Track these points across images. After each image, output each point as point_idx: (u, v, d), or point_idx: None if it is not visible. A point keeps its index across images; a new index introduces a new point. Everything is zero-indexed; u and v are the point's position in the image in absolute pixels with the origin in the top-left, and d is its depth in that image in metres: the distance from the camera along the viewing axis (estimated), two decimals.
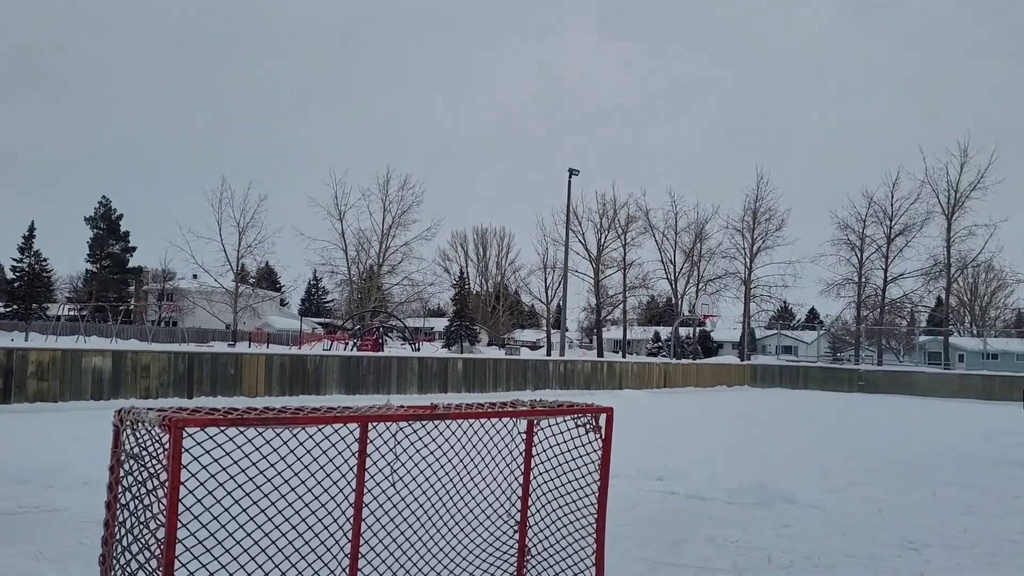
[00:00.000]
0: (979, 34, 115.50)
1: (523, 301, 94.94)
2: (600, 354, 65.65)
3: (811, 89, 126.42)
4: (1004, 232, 58.63)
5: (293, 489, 3.09)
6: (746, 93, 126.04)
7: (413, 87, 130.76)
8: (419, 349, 50.37)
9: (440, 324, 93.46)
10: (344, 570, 3.31)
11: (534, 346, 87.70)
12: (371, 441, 3.38)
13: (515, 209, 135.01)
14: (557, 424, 4.04)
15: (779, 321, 78.07)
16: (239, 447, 2.86)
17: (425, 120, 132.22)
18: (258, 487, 2.94)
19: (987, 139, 77.45)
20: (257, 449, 2.98)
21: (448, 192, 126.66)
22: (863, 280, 54.91)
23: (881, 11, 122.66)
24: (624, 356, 64.72)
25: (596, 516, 3.93)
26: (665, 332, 79.08)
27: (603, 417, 3.94)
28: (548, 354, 66.27)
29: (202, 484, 2.75)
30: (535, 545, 4.09)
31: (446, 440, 3.70)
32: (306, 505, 3.18)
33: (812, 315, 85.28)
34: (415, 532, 3.66)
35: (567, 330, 59.21)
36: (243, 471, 2.90)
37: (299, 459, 3.13)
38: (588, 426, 3.93)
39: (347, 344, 48.61)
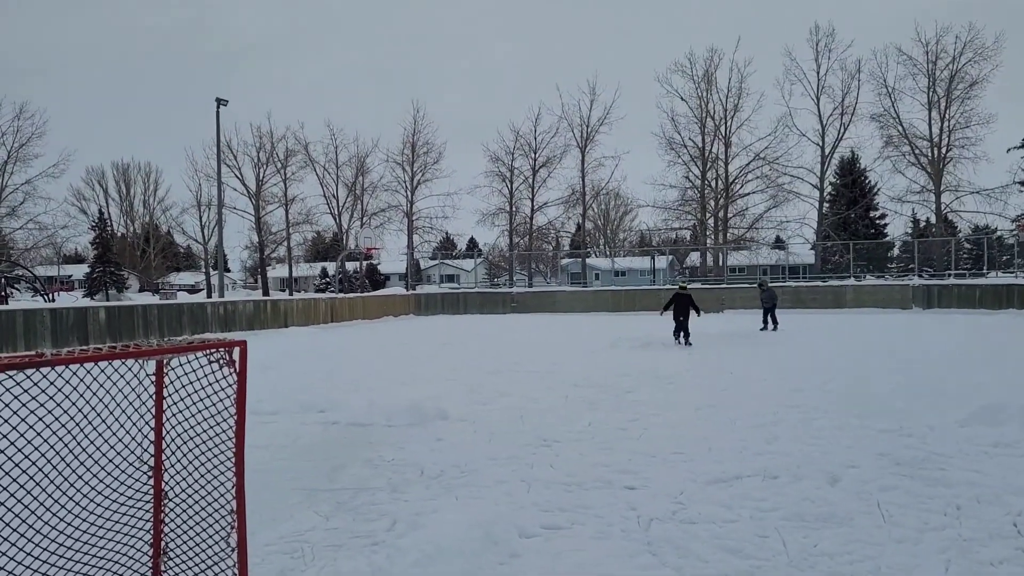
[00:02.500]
0: None
1: (177, 242, 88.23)
2: (265, 293, 63.57)
3: (461, 32, 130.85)
4: (627, 163, 67.18)
5: None
6: (394, 31, 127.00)
7: (28, 7, 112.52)
8: (53, 300, 44.82)
9: (80, 271, 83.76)
10: None
11: (193, 289, 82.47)
12: None
13: (161, 143, 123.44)
14: (190, 363, 3.91)
15: (441, 251, 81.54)
16: None
17: (51, 44, 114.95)
18: None
19: (611, 79, 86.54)
20: None
21: (79, 125, 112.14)
22: (514, 209, 59.17)
23: None
24: (291, 294, 63.38)
25: (235, 451, 3.90)
26: (332, 267, 78.71)
27: (236, 351, 3.89)
28: (208, 297, 62.68)
29: None
30: (171, 488, 3.96)
31: (59, 391, 3.41)
32: None
33: (472, 244, 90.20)
34: (34, 496, 3.35)
35: (228, 271, 56.35)
36: None
37: None
38: (222, 361, 3.86)
39: None
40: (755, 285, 28.87)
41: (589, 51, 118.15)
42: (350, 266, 69.03)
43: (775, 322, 24.10)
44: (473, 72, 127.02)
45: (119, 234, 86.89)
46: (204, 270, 75.07)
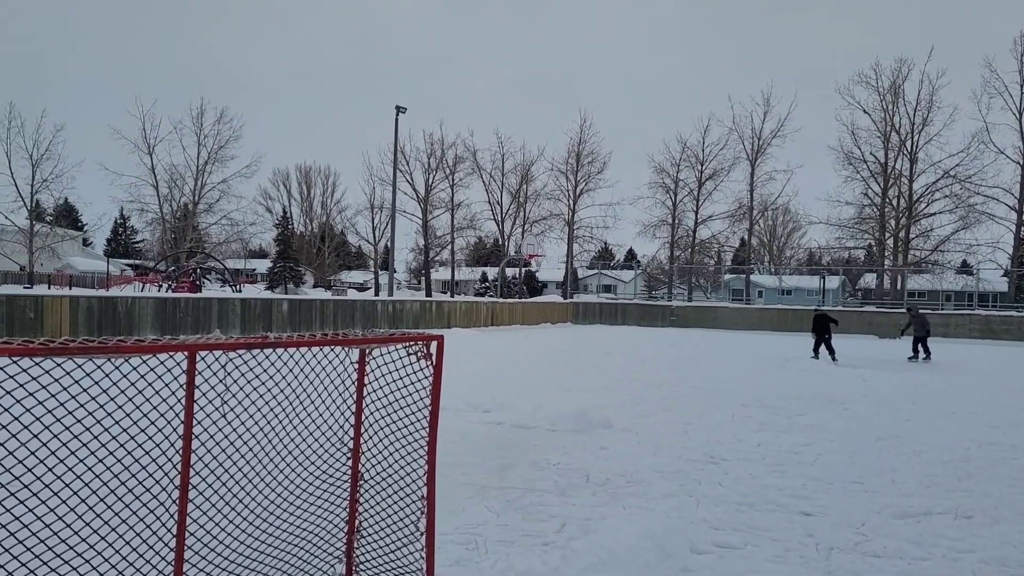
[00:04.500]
0: None
1: (350, 242, 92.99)
2: (428, 294, 66.01)
3: (626, 40, 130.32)
4: (799, 178, 64.46)
5: (118, 422, 3.02)
6: (556, 43, 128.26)
7: (221, 20, 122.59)
8: (240, 290, 48.46)
9: (263, 266, 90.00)
10: (174, 502, 3.28)
11: (362, 287, 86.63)
12: (199, 373, 3.33)
13: (341, 148, 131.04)
14: (389, 353, 4.14)
15: (600, 261, 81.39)
16: (56, 380, 2.76)
17: (239, 55, 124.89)
18: (78, 420, 2.85)
19: (787, 90, 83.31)
20: (77, 382, 2.88)
21: (269, 129, 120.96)
22: (676, 222, 58.25)
23: None
24: (452, 296, 65.44)
25: (428, 440, 4.09)
26: (492, 272, 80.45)
27: (434, 344, 4.07)
28: (376, 295, 65.79)
29: (17, 419, 2.63)
30: (367, 471, 4.20)
31: (278, 371, 3.71)
32: (132, 438, 3.11)
33: (630, 255, 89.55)
34: (248, 463, 3.66)
35: (395, 271, 58.92)
36: (62, 404, 2.80)
37: (123, 392, 3.05)
38: (419, 354, 4.06)
39: (160, 286, 45.95)
40: (904, 311, 26.75)
41: (763, 60, 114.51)
42: (510, 272, 70.30)
43: (927, 351, 22.23)
44: (637, 83, 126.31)
45: (298, 232, 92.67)
46: (373, 269, 78.83)
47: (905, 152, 51.11)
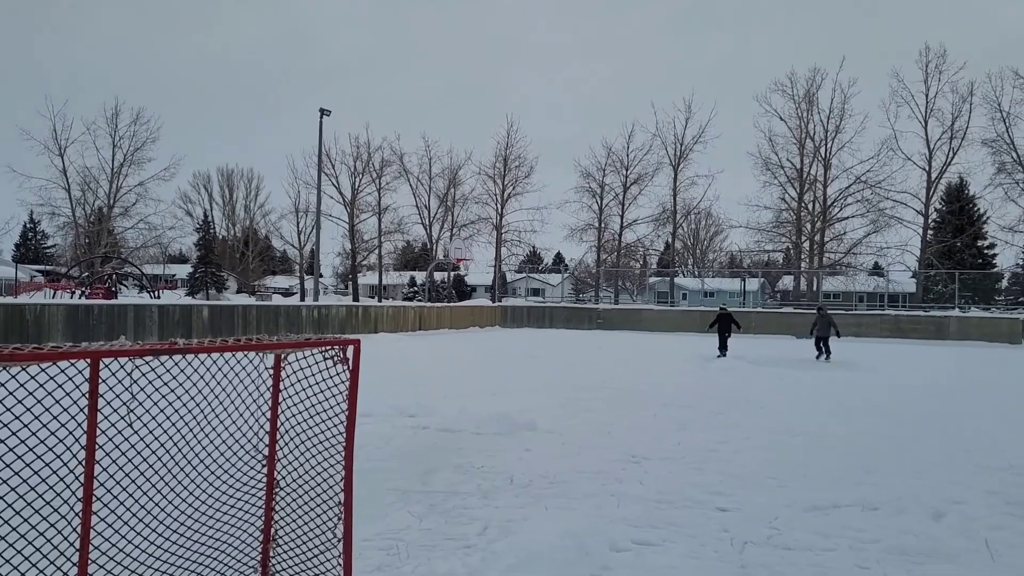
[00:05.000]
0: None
1: (274, 246, 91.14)
2: (356, 299, 65.21)
3: (552, 47, 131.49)
4: (720, 183, 66.17)
5: (15, 433, 2.90)
6: (480, 50, 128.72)
7: (139, 16, 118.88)
8: (159, 297, 47.01)
9: (183, 271, 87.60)
10: (77, 515, 3.17)
11: (287, 292, 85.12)
12: (104, 381, 3.23)
13: (264, 151, 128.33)
14: (305, 358, 4.09)
15: (528, 265, 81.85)
16: None
17: (159, 54, 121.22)
18: None
19: (708, 98, 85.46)
20: None
21: (189, 131, 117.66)
22: (603, 225, 58.98)
23: None
24: (380, 300, 64.79)
25: (344, 446, 4.05)
26: (421, 276, 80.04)
27: (351, 349, 4.04)
28: (302, 300, 64.67)
29: None
30: (283, 478, 4.14)
31: (188, 378, 3.62)
32: (31, 450, 3.00)
33: (558, 259, 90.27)
34: (156, 473, 3.57)
35: (321, 276, 58.03)
36: None
37: (20, 402, 2.94)
38: (336, 358, 4.02)
39: (73, 293, 44.21)
40: (815, 311, 27.74)
41: (686, 70, 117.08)
42: (438, 276, 70.06)
43: (827, 351, 23.02)
44: (566, 91, 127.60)
45: (220, 236, 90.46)
46: (299, 274, 77.50)
47: (820, 158, 52.97)
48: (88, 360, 3.04)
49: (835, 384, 16.14)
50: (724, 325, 23.49)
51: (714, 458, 8.44)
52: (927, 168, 50.55)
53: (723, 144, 66.49)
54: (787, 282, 63.77)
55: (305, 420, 4.09)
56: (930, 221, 51.58)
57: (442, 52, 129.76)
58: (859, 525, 5.96)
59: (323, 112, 38.86)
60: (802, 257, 53.98)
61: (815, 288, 52.65)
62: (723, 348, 23.13)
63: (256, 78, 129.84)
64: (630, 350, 25.99)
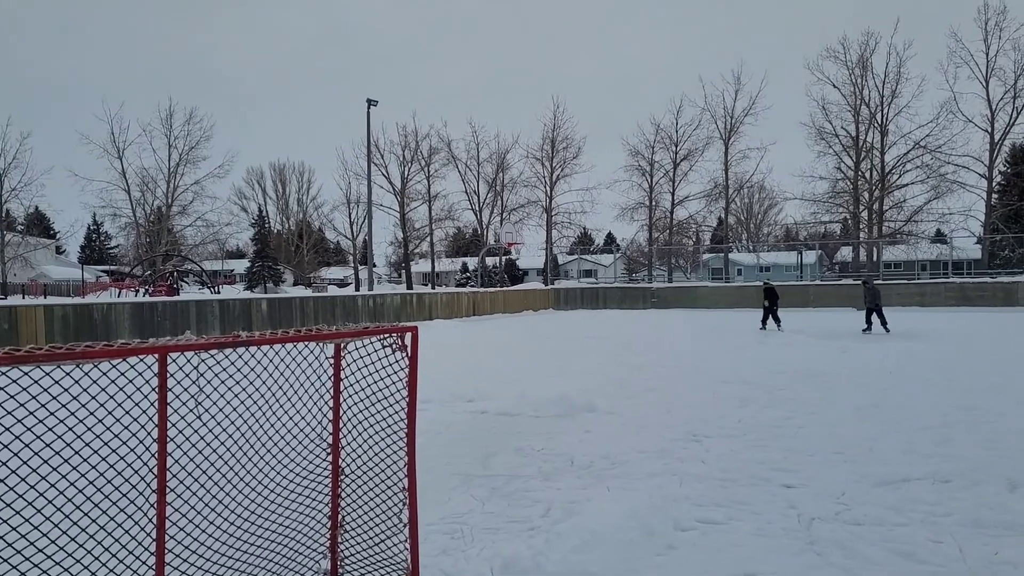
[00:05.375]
0: None
1: (328, 238, 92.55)
2: (409, 287, 65.80)
3: (595, 25, 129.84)
4: (773, 155, 64.68)
5: (90, 428, 2.99)
6: (525, 30, 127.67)
7: (185, 17, 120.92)
8: (219, 292, 48.12)
9: (241, 266, 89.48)
10: (152, 506, 3.26)
11: (342, 283, 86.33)
12: (171, 375, 3.31)
13: (314, 144, 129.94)
14: (364, 347, 4.12)
15: (579, 246, 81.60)
16: (24, 389, 2.73)
17: (206, 53, 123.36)
18: (50, 429, 2.83)
19: (758, 68, 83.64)
20: (45, 390, 2.85)
21: (240, 127, 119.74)
22: (653, 204, 58.32)
23: None
24: (433, 288, 65.26)
25: (406, 432, 4.09)
26: (472, 262, 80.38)
27: (408, 336, 4.06)
28: (357, 290, 65.49)
29: None
30: (348, 465, 4.20)
31: (252, 369, 3.69)
32: (105, 444, 3.09)
33: (609, 239, 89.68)
34: (225, 463, 3.65)
35: (375, 265, 58.71)
36: (31, 414, 2.77)
37: (94, 398, 3.03)
38: (394, 346, 4.05)
39: (137, 291, 45.52)
40: (860, 283, 26.48)
41: (734, 40, 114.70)
42: (490, 261, 70.24)
43: (884, 323, 21.86)
44: (610, 69, 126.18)
45: (275, 231, 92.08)
46: (353, 264, 78.47)
47: (876, 125, 51.46)
48: (156, 355, 3.12)
49: (900, 356, 15.73)
50: (770, 298, 23.92)
51: (777, 434, 8.32)
52: (990, 130, 48.72)
53: (775, 115, 64.91)
54: (845, 253, 62.35)
55: (367, 408, 4.14)
56: (994, 184, 49.73)
57: (485, 37, 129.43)
58: (931, 499, 5.81)
59: (370, 102, 39.13)
60: (861, 227, 52.64)
61: (875, 259, 51.32)
62: (766, 319, 23.84)
63: (303, 72, 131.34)
64: (686, 328, 25.73)
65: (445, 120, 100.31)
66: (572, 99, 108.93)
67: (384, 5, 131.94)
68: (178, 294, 43.45)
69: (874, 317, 21.96)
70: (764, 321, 23.84)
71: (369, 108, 39.29)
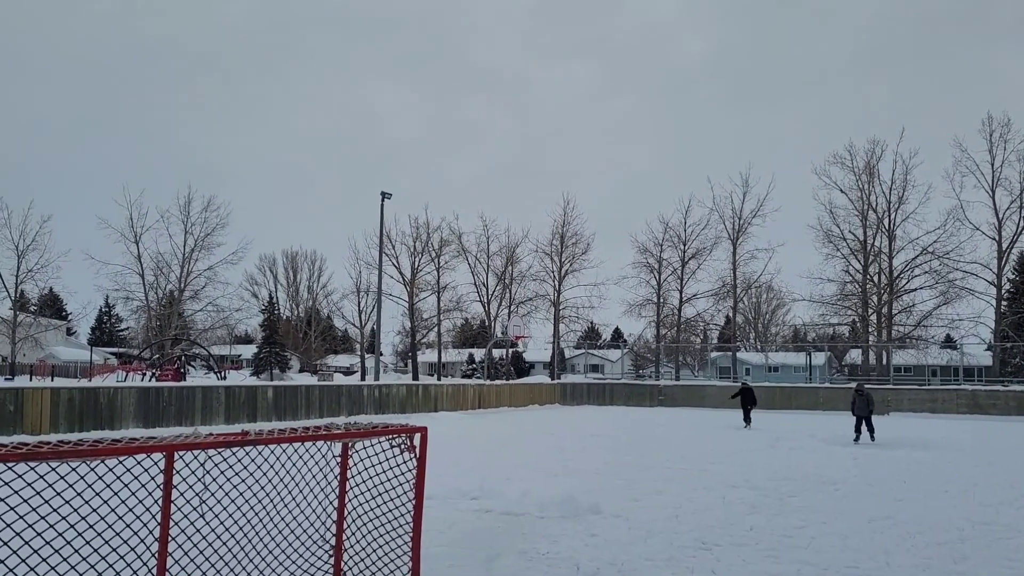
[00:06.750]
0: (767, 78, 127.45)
1: (336, 326, 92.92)
2: (415, 377, 65.52)
3: (595, 132, 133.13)
4: (781, 256, 65.02)
5: (92, 526, 2.93)
6: (532, 135, 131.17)
7: (203, 112, 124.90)
8: (225, 378, 47.95)
9: (248, 351, 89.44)
10: None
11: (348, 371, 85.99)
12: (178, 472, 3.26)
13: (326, 233, 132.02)
14: (372, 446, 4.08)
15: (587, 341, 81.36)
16: (29, 484, 2.69)
17: (224, 144, 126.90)
18: (51, 526, 2.77)
19: (766, 171, 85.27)
20: (50, 486, 2.81)
21: (255, 215, 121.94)
22: (661, 300, 58.57)
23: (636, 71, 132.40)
24: (439, 379, 64.95)
25: (412, 536, 3.99)
26: (479, 354, 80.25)
27: (417, 437, 4.02)
28: (362, 379, 65.26)
29: None
30: (350, 569, 4.09)
31: (258, 467, 3.64)
32: (106, 543, 3.02)
33: (617, 334, 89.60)
34: (227, 564, 3.56)
35: (381, 354, 58.58)
36: (34, 510, 2.72)
37: (98, 494, 2.98)
38: (403, 446, 4.00)
39: (144, 375, 45.43)
40: (854, 389, 24.78)
41: (741, 143, 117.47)
42: (497, 353, 70.05)
43: (872, 431, 20.99)
44: (621, 168, 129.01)
45: (284, 317, 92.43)
46: (359, 352, 78.38)
47: (884, 229, 52.03)
48: (164, 453, 3.08)
49: (914, 465, 15.43)
50: (746, 399, 26.36)
51: (790, 545, 8.08)
52: (997, 238, 49.18)
53: (782, 216, 65.93)
54: (855, 356, 61.99)
55: (372, 509, 4.06)
56: (1004, 292, 49.85)
57: (496, 134, 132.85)
58: None
59: (384, 195, 39.87)
60: (870, 330, 52.54)
61: (884, 362, 50.98)
62: (747, 419, 26.04)
63: (317, 164, 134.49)
64: (694, 428, 25.38)
65: (456, 213, 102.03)
66: (582, 196, 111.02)
67: (400, 100, 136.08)
68: (185, 379, 43.33)
69: (862, 425, 21.08)
70: (746, 419, 26.10)
71: (383, 201, 40.02)
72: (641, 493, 11.38)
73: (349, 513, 4.09)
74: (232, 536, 3.56)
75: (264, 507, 3.68)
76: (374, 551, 3.99)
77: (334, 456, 4.03)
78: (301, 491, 3.80)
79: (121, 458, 2.96)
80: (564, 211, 62.37)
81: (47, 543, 2.77)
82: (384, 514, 4.01)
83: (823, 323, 57.75)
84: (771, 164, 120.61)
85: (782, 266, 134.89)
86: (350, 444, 4.07)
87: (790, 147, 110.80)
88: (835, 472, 13.97)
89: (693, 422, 28.54)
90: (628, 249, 76.38)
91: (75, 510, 2.85)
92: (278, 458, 3.68)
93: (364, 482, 4.05)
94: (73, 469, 2.82)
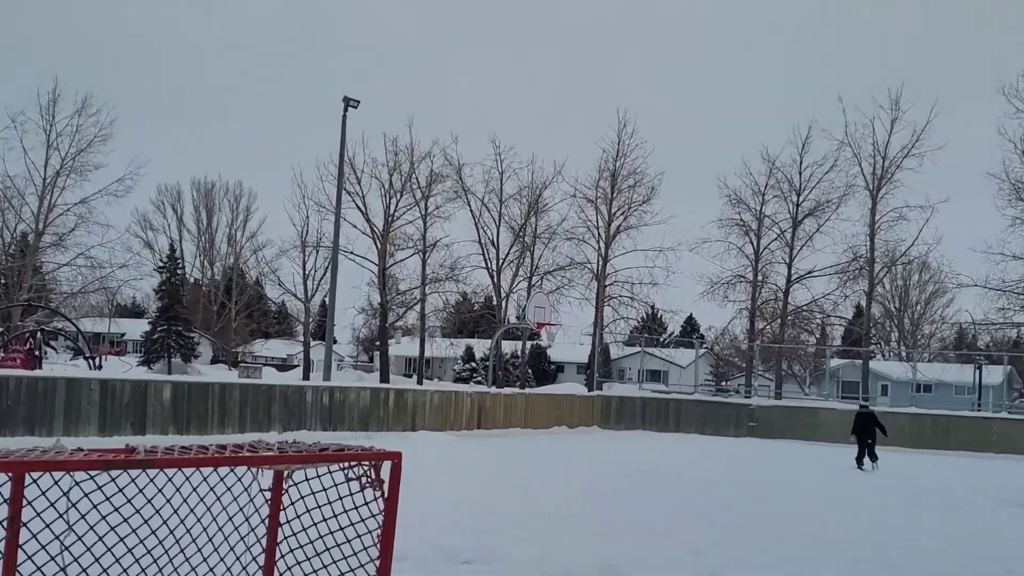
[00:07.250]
0: None
1: (269, 297, 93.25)
2: (385, 378, 65.64)
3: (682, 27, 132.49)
4: (943, 218, 63.80)
5: None
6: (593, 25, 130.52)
7: None
8: (101, 367, 48.41)
9: (137, 329, 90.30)
10: None
11: (284, 365, 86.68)
12: (30, 502, 3.31)
13: (263, 161, 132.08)
14: (319, 477, 4.11)
15: (644, 334, 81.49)
16: None
17: (121, 18, 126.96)
18: None
19: (927, 91, 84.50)
20: None
21: (155, 128, 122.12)
22: (760, 279, 58.21)
23: None
24: (420, 381, 65.16)
25: None
26: (482, 347, 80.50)
27: (387, 466, 4.05)
28: (306, 378, 65.66)
29: None
30: None
31: (148, 501, 3.68)
32: None
33: (690, 327, 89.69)
34: None
35: (336, 342, 58.84)
36: None
37: None
38: (365, 480, 4.04)
39: None
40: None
41: (889, 46, 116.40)
42: (508, 347, 70.20)
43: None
44: (701, 79, 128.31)
45: (192, 280, 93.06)
46: (303, 338, 78.75)
47: None
48: (9, 474, 3.13)
49: None
50: (867, 429, 27.12)
51: None
52: None
53: (948, 157, 64.72)
54: None
55: (312, 573, 4.11)
56: None
57: (516, 30, 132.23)
58: None
59: (349, 103, 39.61)
60: None
61: None
62: (862, 458, 26.68)
63: (257, 59, 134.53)
64: (800, 470, 25.46)
65: (456, 134, 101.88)
66: (646, 119, 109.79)
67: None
68: (40, 366, 43.78)
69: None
70: (860, 459, 26.64)
71: (346, 110, 39.82)
72: (719, 566, 11.46)
73: (281, 575, 4.14)
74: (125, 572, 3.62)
75: (155, 560, 3.73)
76: None
77: (261, 490, 4.07)
78: (211, 539, 3.85)
79: None
80: (619, 137, 61.68)
81: None
82: None
83: (1004, 322, 57.50)
84: (933, 80, 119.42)
85: (944, 234, 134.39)
86: (285, 473, 4.11)
87: (963, 56, 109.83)
88: (1006, 544, 14.02)
89: (798, 462, 28.63)
90: (712, 200, 75.30)
91: None
92: (178, 489, 3.72)
93: (304, 530, 4.09)
94: None
